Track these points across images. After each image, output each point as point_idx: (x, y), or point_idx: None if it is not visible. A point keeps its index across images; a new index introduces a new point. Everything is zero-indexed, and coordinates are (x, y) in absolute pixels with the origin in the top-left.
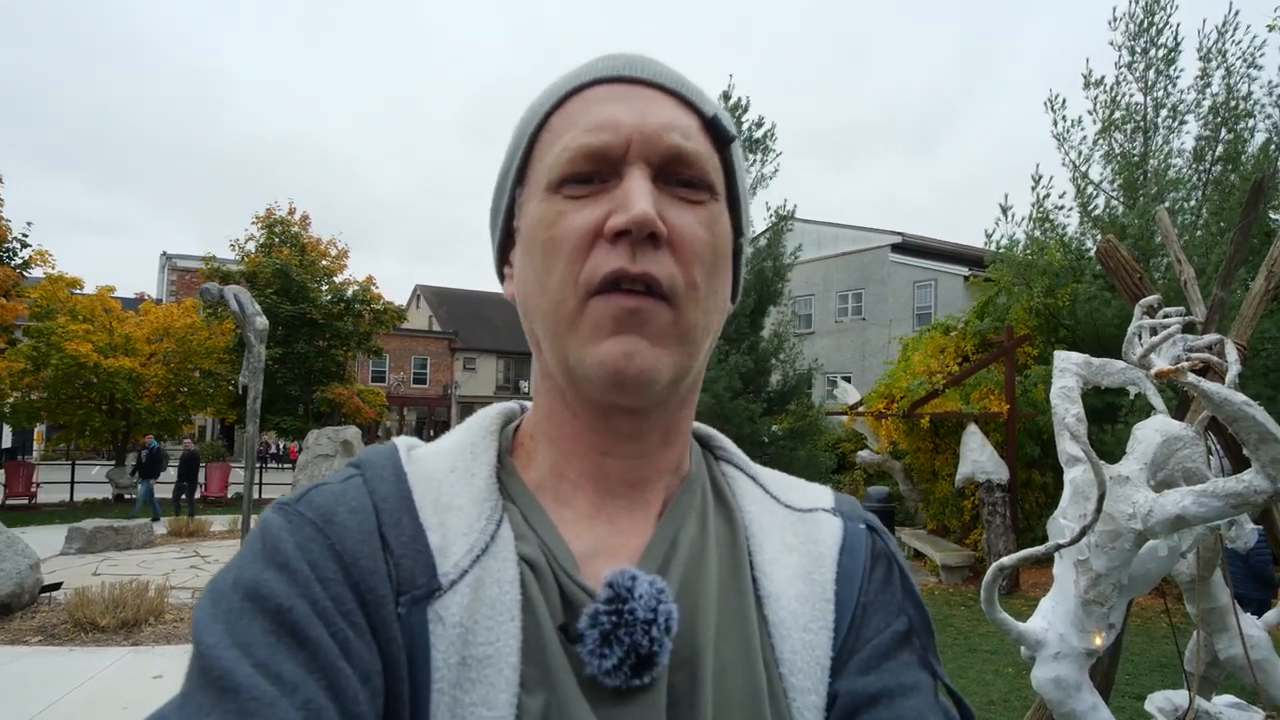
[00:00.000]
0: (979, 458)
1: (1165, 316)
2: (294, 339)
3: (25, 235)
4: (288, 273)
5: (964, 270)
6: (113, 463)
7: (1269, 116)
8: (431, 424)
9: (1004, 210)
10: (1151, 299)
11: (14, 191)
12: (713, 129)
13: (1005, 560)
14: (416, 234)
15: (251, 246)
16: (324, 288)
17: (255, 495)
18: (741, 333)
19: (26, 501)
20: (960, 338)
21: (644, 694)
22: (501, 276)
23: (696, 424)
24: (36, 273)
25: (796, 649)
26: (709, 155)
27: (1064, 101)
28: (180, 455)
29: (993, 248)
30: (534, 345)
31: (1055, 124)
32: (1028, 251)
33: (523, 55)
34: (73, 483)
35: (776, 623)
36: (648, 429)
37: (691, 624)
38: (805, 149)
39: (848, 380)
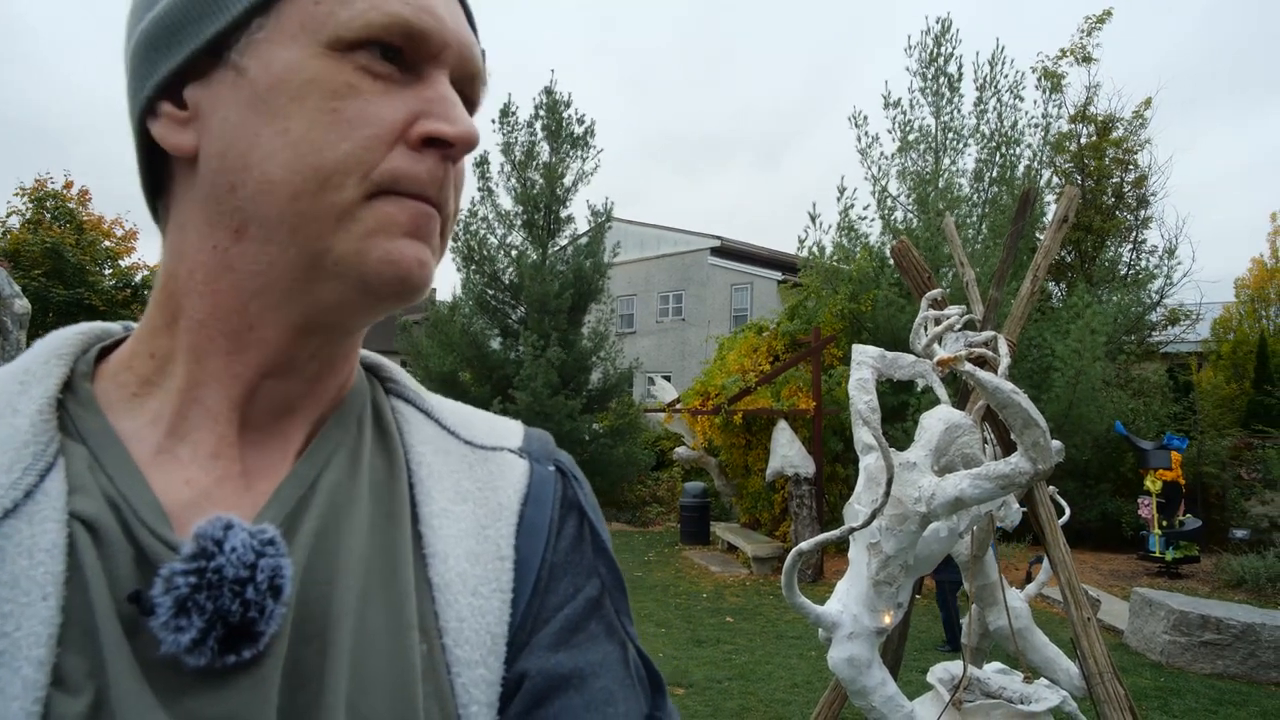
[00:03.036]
0: (788, 453)
1: (947, 311)
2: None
3: None
4: (60, 252)
5: (779, 275)
6: None
7: (1029, 145)
8: None
9: (812, 218)
10: (936, 292)
11: None
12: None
13: (804, 545)
14: None
15: (15, 221)
16: (107, 271)
17: None
18: (560, 329)
19: None
20: (772, 338)
21: (244, 674)
22: (149, 110)
23: (365, 351)
24: None
25: (463, 616)
26: (482, 76)
27: (865, 118)
28: None
29: (804, 254)
30: (230, 228)
31: (859, 139)
32: (834, 258)
33: None
34: None
35: (442, 586)
36: (342, 349)
37: (327, 587)
38: (661, 155)
39: (667, 379)
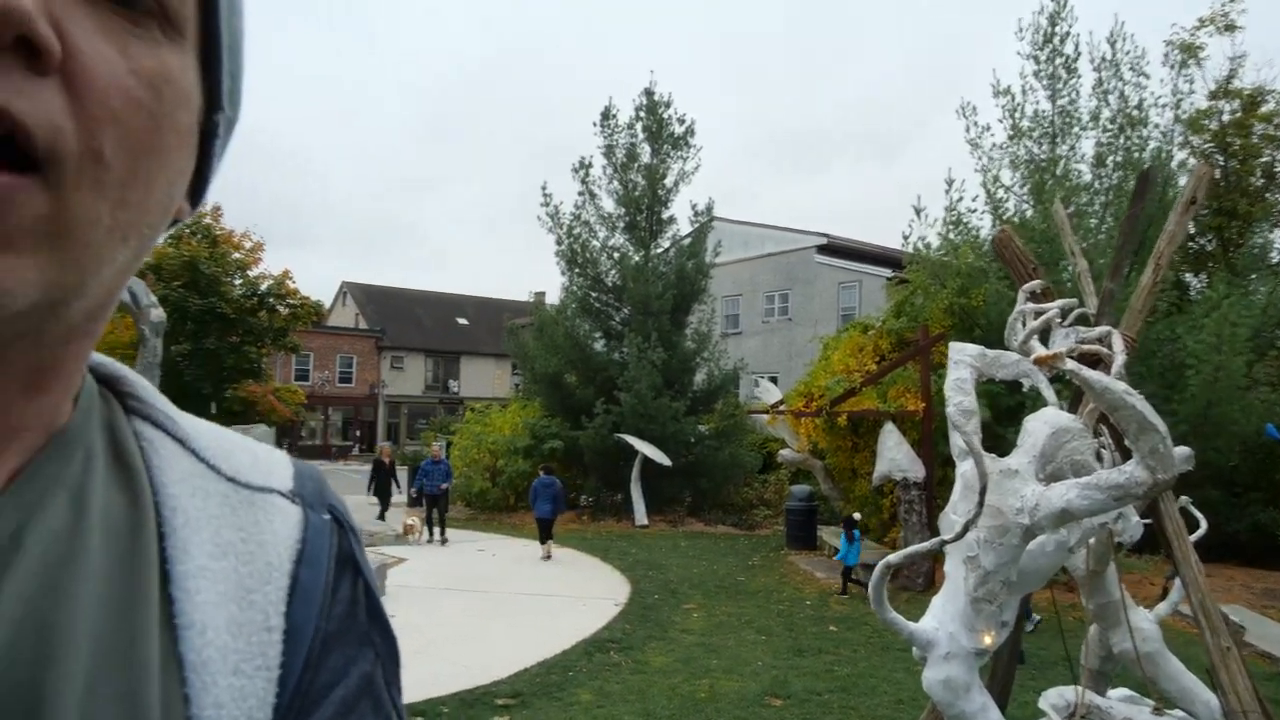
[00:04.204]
0: (896, 455)
1: (1048, 304)
2: (204, 334)
3: None
4: (196, 265)
5: (889, 272)
6: None
7: (1156, 125)
8: (358, 424)
9: (917, 212)
10: (1034, 284)
11: None
12: None
13: (892, 558)
14: (356, 229)
15: (163, 238)
16: (236, 282)
17: None
18: (662, 330)
19: None
20: (878, 336)
21: None
22: None
23: (103, 360)
24: None
25: (222, 702)
26: None
27: (974, 108)
28: None
29: (910, 249)
30: None
31: (968, 129)
32: (942, 252)
33: (483, 45)
34: None
35: (198, 665)
36: (34, 359)
37: (36, 672)
38: (768, 152)
39: (774, 380)
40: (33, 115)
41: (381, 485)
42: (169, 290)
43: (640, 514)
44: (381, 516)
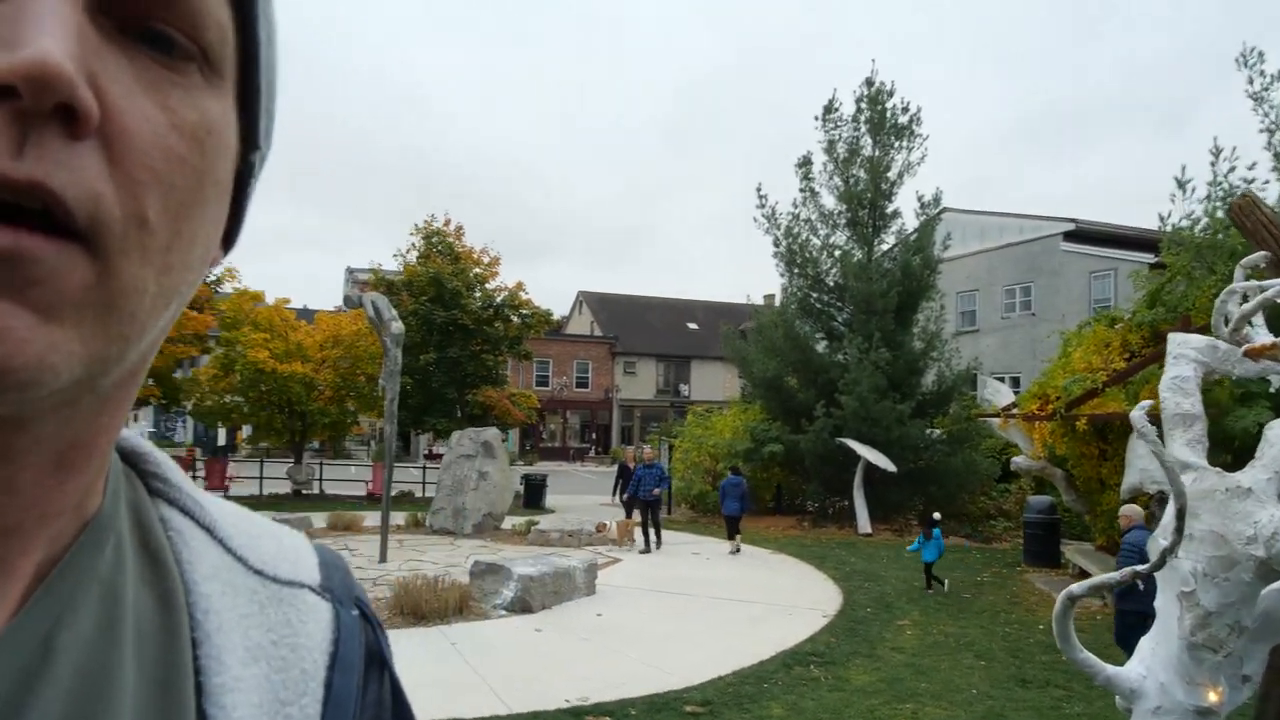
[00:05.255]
0: (1148, 465)
1: (1270, 283)
2: (447, 344)
3: None
4: (441, 280)
5: (1150, 257)
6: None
7: None
8: (594, 427)
9: (1180, 185)
10: (1257, 256)
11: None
12: None
13: (1075, 589)
14: (598, 238)
15: (413, 256)
16: (475, 294)
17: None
18: (886, 330)
19: (222, 494)
20: (1127, 330)
21: None
22: None
23: (125, 434)
24: (227, 288)
25: None
26: (209, 2)
27: (1260, 55)
28: None
29: (1168, 229)
30: None
31: (1251, 81)
32: (1210, 232)
33: (725, 50)
34: (261, 478)
35: None
36: (26, 447)
37: None
38: (1014, 135)
39: (1015, 381)
40: (71, 187)
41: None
42: (418, 304)
43: (863, 521)
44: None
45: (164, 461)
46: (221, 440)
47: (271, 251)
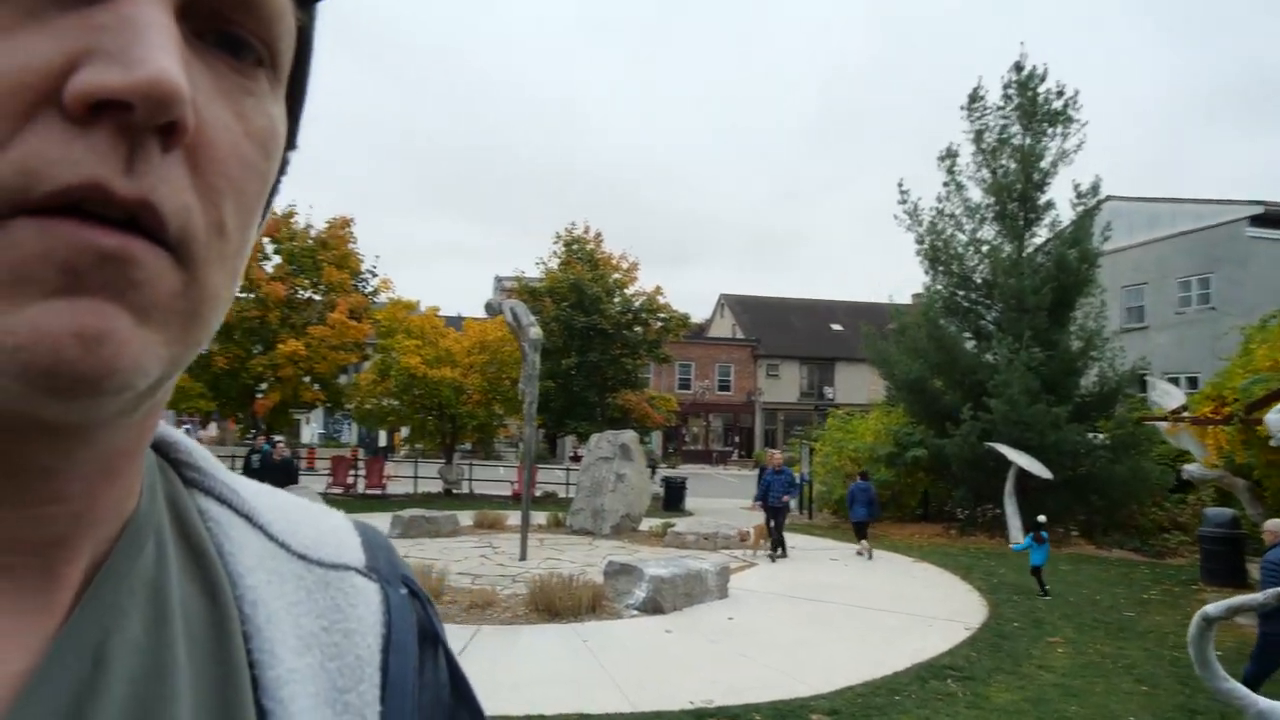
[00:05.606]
0: None
1: None
2: (588, 348)
3: (374, 269)
4: (581, 287)
5: None
6: (443, 460)
7: None
8: (737, 430)
9: None
10: None
11: (403, 227)
12: None
13: (1211, 609)
14: (745, 241)
15: (555, 264)
16: (614, 299)
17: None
18: (1039, 328)
19: (380, 492)
20: None
21: None
22: None
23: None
24: (383, 298)
25: None
26: (287, 5)
27: None
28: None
29: None
30: None
31: None
32: None
33: (876, 39)
34: (415, 477)
35: None
36: (82, 457)
37: None
38: (1199, 111)
39: (1193, 382)
40: (169, 201)
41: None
42: (559, 310)
43: (1015, 531)
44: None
45: (195, 449)
46: (383, 441)
47: (429, 260)
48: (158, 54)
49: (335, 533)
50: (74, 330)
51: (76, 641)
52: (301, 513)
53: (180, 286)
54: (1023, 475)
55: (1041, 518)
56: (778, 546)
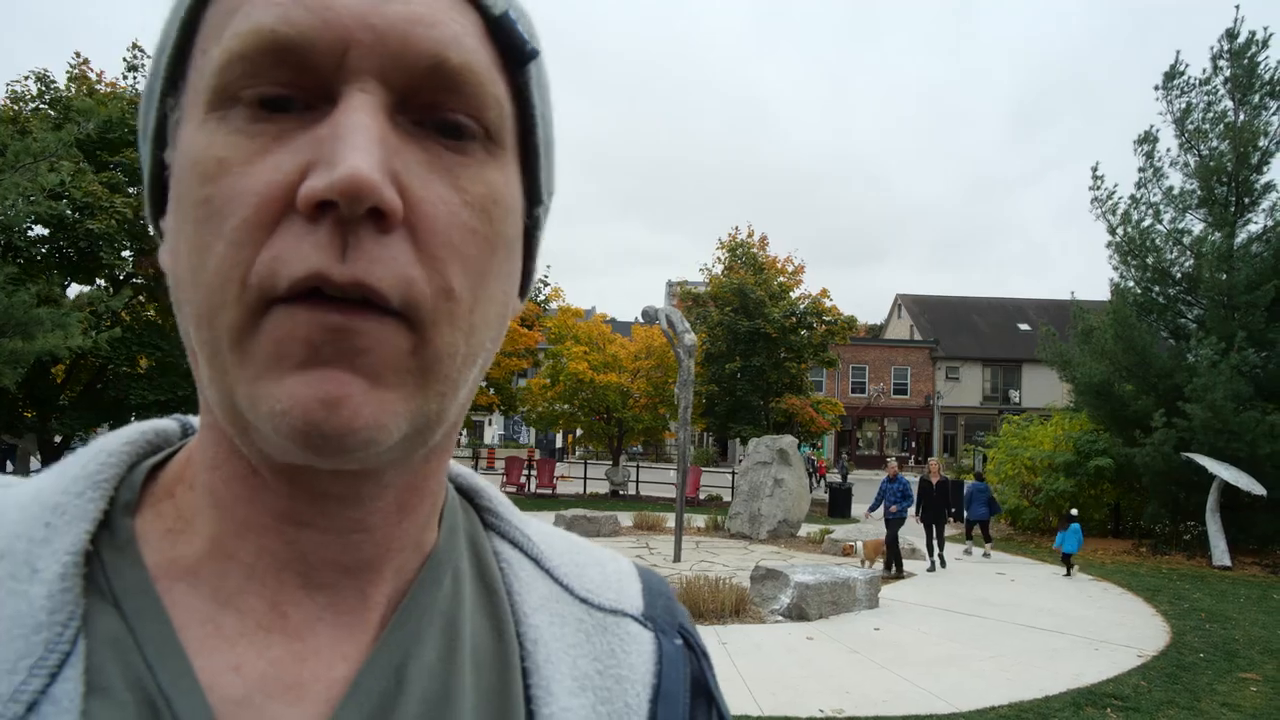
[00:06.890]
0: None
1: None
2: (751, 352)
3: (545, 278)
4: (744, 291)
5: None
6: (609, 462)
7: None
8: (914, 435)
9: None
10: None
11: (589, 233)
12: (501, 33)
13: None
14: (931, 239)
15: (719, 269)
16: (779, 303)
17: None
18: (1254, 327)
19: (550, 491)
20: None
21: None
22: (159, 231)
23: (461, 471)
24: (553, 306)
25: None
26: (491, 77)
27: None
28: None
29: None
30: (190, 355)
31: None
32: None
33: (1088, 18)
34: (585, 478)
35: None
36: (374, 490)
37: None
38: None
39: None
40: (386, 278)
41: (930, 508)
42: (723, 315)
43: (1219, 552)
44: (929, 547)
45: (495, 496)
46: (558, 444)
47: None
48: (354, 155)
49: (619, 577)
50: (319, 397)
51: (384, 660)
52: (588, 557)
53: (410, 346)
54: (1230, 490)
55: (1074, 510)
56: (891, 564)
